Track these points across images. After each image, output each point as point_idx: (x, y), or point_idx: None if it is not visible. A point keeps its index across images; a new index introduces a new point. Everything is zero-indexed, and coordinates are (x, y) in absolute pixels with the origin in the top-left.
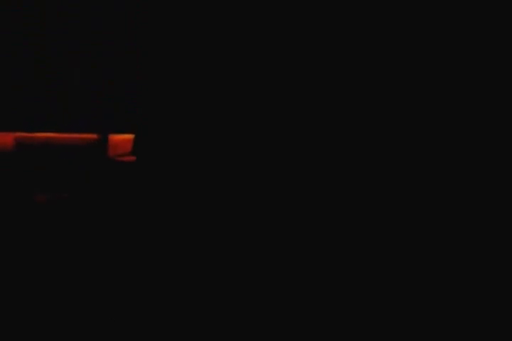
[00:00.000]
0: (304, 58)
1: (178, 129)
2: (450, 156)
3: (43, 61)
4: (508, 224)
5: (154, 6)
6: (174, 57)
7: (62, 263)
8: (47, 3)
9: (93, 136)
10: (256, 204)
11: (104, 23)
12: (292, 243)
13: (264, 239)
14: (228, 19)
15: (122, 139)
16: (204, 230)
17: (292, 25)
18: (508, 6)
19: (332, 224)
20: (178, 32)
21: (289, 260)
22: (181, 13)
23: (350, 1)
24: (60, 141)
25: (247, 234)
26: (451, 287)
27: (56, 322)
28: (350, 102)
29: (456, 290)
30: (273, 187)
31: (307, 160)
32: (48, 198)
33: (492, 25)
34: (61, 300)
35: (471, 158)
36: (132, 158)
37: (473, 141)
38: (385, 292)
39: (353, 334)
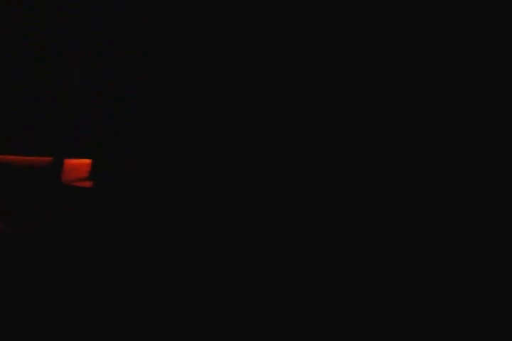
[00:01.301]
0: (303, 58)
1: (142, 153)
2: (450, 156)
3: None
4: (508, 224)
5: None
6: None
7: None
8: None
9: (48, 159)
10: (252, 206)
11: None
12: (292, 243)
13: (263, 239)
14: (223, 21)
15: (78, 163)
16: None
17: (292, 26)
18: (508, 6)
19: (332, 224)
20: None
21: (288, 260)
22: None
23: (350, 1)
24: (13, 163)
25: (244, 237)
26: (451, 287)
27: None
28: (350, 102)
29: (456, 290)
30: (270, 190)
31: (306, 161)
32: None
33: (492, 25)
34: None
35: (471, 158)
36: (87, 184)
37: (473, 141)
38: (385, 292)
39: (353, 335)
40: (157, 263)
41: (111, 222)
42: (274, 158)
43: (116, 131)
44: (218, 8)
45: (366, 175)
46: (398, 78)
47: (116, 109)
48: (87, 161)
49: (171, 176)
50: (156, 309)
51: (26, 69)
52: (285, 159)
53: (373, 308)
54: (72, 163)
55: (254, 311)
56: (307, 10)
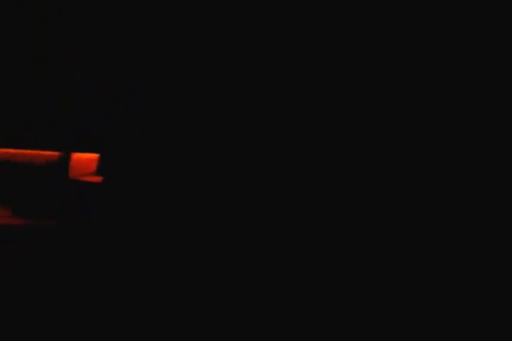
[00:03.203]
0: (303, 59)
1: (150, 148)
2: (450, 156)
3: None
4: (508, 224)
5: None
6: (143, 77)
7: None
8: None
9: (55, 153)
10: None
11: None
12: (291, 244)
13: (264, 240)
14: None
15: (86, 158)
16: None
17: (292, 26)
18: (508, 6)
19: (332, 224)
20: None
21: (288, 260)
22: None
23: (350, 1)
24: (18, 158)
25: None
26: (451, 287)
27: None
28: (350, 103)
29: (456, 290)
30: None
31: (306, 162)
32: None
33: (492, 25)
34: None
35: (471, 158)
36: (97, 179)
37: (473, 141)
38: (385, 292)
39: (353, 335)
40: (162, 261)
41: (119, 218)
42: (275, 159)
43: (124, 125)
44: (218, 8)
45: (366, 175)
46: (398, 78)
47: (124, 103)
48: (95, 156)
49: (179, 172)
50: (156, 308)
51: (33, 60)
52: (285, 159)
53: (373, 308)
54: (79, 157)
55: (254, 311)
56: (307, 10)
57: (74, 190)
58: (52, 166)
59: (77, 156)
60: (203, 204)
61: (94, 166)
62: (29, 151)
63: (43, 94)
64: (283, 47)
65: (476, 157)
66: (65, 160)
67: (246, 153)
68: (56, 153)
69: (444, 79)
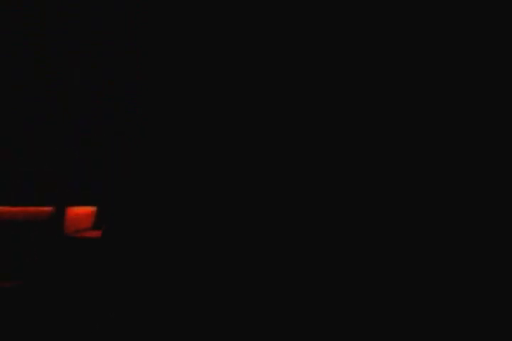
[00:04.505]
0: (303, 58)
1: (150, 198)
2: (450, 156)
3: None
4: (508, 224)
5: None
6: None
7: None
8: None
9: (48, 209)
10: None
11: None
12: (292, 243)
13: (264, 241)
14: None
15: (81, 212)
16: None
17: (291, 26)
18: (508, 6)
19: (332, 224)
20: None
21: (288, 260)
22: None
23: (350, 1)
24: (9, 216)
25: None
26: (451, 287)
27: None
28: (350, 103)
29: (456, 290)
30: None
31: (306, 162)
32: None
33: (492, 25)
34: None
35: (470, 158)
36: (94, 234)
37: (473, 141)
38: (385, 292)
39: (353, 335)
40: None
41: (118, 274)
42: (274, 159)
43: (121, 175)
44: (218, 8)
45: (366, 175)
46: (398, 78)
47: (119, 152)
48: (91, 209)
49: (181, 224)
50: (158, 309)
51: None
52: (285, 159)
53: (373, 308)
54: (74, 212)
55: (254, 311)
56: (307, 10)
57: (71, 246)
58: (46, 222)
59: (73, 211)
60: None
61: (90, 220)
62: (22, 208)
63: (37, 141)
64: (283, 47)
65: (476, 157)
66: (60, 215)
67: (245, 156)
68: (50, 209)
69: (444, 79)
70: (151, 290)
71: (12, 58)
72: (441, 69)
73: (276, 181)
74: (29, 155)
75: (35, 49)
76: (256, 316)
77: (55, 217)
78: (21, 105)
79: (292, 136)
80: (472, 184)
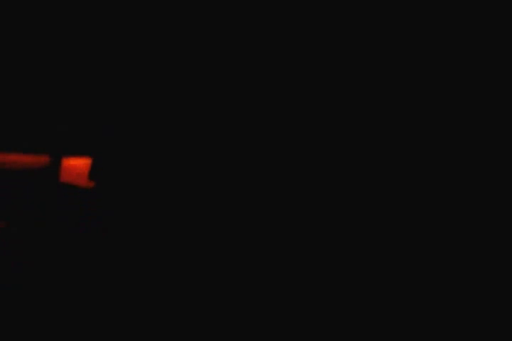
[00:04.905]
0: (303, 58)
1: (146, 150)
2: (450, 156)
3: None
4: (508, 224)
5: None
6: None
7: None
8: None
9: (44, 158)
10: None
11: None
12: (291, 243)
13: (264, 241)
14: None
15: (77, 162)
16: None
17: (292, 26)
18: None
19: (331, 224)
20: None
21: (288, 260)
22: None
23: (350, 1)
24: (5, 163)
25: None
26: (451, 287)
27: None
28: (350, 103)
29: (456, 290)
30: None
31: (306, 162)
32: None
33: (492, 25)
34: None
35: (471, 158)
36: (87, 184)
37: (473, 141)
38: (385, 292)
39: (353, 335)
40: (158, 265)
41: (113, 223)
42: (274, 159)
43: (118, 126)
44: (218, 8)
45: (366, 175)
46: (398, 78)
47: (118, 103)
48: (87, 160)
49: (176, 175)
50: (156, 309)
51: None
52: (285, 159)
53: (373, 308)
54: (70, 162)
55: (254, 311)
56: (307, 10)
57: (66, 195)
58: (42, 171)
59: (68, 161)
60: (199, 204)
61: (86, 171)
62: (18, 155)
63: (31, 93)
64: (282, 47)
65: (476, 157)
66: (55, 165)
67: (243, 155)
68: (46, 158)
69: (444, 79)
70: (145, 245)
71: None
72: (442, 69)
73: (274, 179)
74: (26, 104)
75: None
76: (254, 313)
77: (51, 166)
78: (20, 53)
79: (291, 136)
80: (472, 184)
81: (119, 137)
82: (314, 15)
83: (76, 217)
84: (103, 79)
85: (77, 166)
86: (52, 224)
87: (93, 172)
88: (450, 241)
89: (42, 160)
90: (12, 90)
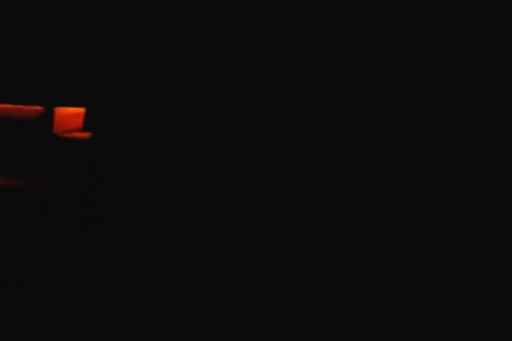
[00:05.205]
0: (303, 58)
1: (140, 102)
2: (450, 156)
3: None
4: (508, 224)
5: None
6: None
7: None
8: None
9: (37, 108)
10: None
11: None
12: (291, 243)
13: (263, 240)
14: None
15: (70, 113)
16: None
17: (291, 26)
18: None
19: (331, 224)
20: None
21: (288, 260)
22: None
23: (350, 1)
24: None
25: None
26: (451, 287)
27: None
28: (350, 103)
29: (456, 290)
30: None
31: (306, 162)
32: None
33: (492, 25)
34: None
35: (470, 158)
36: (83, 135)
37: (473, 141)
38: (385, 292)
39: (353, 335)
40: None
41: (108, 176)
42: (273, 159)
43: (111, 77)
44: (217, 8)
45: (366, 176)
46: (398, 78)
47: (110, 55)
48: (80, 110)
49: (169, 131)
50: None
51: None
52: (284, 159)
53: (373, 308)
54: (64, 112)
55: (253, 311)
56: (307, 10)
57: (59, 146)
58: (35, 121)
59: (61, 111)
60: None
61: (80, 121)
62: (9, 106)
63: (24, 45)
64: (282, 47)
65: (476, 157)
66: (48, 115)
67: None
68: (39, 108)
69: (444, 80)
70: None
71: None
72: (441, 69)
73: (273, 178)
74: (21, 55)
75: None
76: (254, 313)
77: (44, 116)
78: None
79: (290, 135)
80: (472, 184)
81: (113, 87)
82: (314, 15)
83: (71, 169)
84: (96, 31)
85: (70, 116)
86: (48, 176)
87: (87, 122)
88: (449, 239)
89: (35, 110)
90: (5, 42)
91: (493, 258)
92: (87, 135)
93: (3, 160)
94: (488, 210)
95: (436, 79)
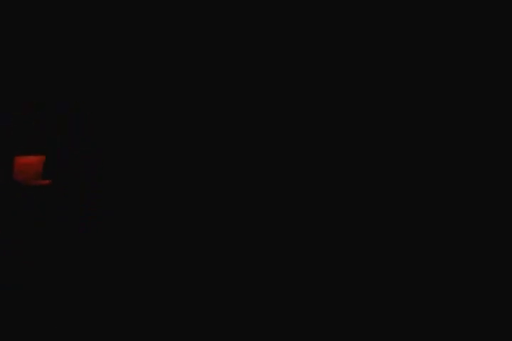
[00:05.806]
0: (303, 58)
1: (104, 146)
2: (450, 156)
3: None
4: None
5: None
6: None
7: None
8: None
9: None
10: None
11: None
12: (291, 243)
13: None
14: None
15: (30, 161)
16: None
17: (291, 26)
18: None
19: (331, 224)
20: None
21: (288, 260)
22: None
23: (350, 1)
24: None
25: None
26: (451, 287)
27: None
28: (350, 103)
29: (456, 290)
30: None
31: (305, 162)
32: None
33: (492, 25)
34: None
35: (470, 159)
36: (42, 182)
37: (473, 141)
38: (385, 292)
39: (353, 335)
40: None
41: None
42: (273, 158)
43: (70, 124)
44: (217, 8)
45: (366, 175)
46: (398, 78)
47: (70, 101)
48: (39, 158)
49: (134, 175)
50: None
51: None
52: (284, 159)
53: (373, 308)
54: (23, 160)
55: (254, 311)
56: (307, 10)
57: (21, 194)
58: None
59: (21, 160)
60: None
61: (39, 169)
62: None
63: None
64: (282, 47)
65: (476, 157)
66: (7, 164)
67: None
68: None
69: (444, 80)
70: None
71: None
72: (442, 69)
73: (272, 178)
74: None
75: None
76: (254, 313)
77: (3, 164)
78: None
79: (291, 135)
80: (472, 184)
81: (72, 135)
82: (314, 15)
83: (30, 215)
84: (50, 76)
85: (29, 164)
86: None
87: (47, 170)
88: (449, 239)
89: None
90: None
91: (493, 259)
92: (46, 182)
93: None
94: (488, 210)
95: (436, 79)
